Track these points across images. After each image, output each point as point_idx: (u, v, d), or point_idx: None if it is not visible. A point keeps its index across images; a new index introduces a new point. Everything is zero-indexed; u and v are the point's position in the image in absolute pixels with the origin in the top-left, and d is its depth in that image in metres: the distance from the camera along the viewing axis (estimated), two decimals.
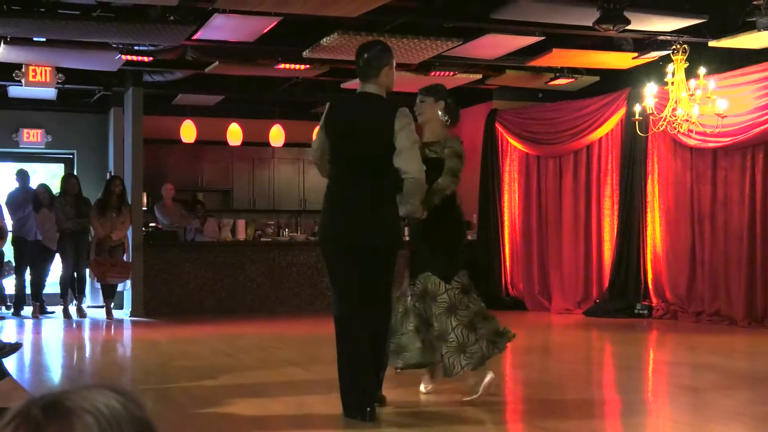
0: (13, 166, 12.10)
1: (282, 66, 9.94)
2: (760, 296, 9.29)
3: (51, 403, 0.90)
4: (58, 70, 10.03)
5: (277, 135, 12.52)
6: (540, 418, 4.61)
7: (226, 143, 12.57)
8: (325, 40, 8.56)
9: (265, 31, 8.49)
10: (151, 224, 12.07)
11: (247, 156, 13.74)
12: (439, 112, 5.19)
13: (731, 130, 9.30)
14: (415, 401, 5.22)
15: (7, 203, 11.03)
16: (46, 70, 9.95)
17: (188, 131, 12.12)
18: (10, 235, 10.91)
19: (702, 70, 8.90)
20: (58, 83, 10.27)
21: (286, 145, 12.98)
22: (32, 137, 12.73)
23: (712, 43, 8.75)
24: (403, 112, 4.65)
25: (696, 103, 8.90)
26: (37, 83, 10.09)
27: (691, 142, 9.76)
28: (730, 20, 8.55)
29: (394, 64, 4.84)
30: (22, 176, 11.44)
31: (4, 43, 8.69)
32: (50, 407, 0.90)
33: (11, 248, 11.12)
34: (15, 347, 6.26)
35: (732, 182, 9.64)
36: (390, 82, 4.79)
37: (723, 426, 4.52)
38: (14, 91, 11.60)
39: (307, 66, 9.96)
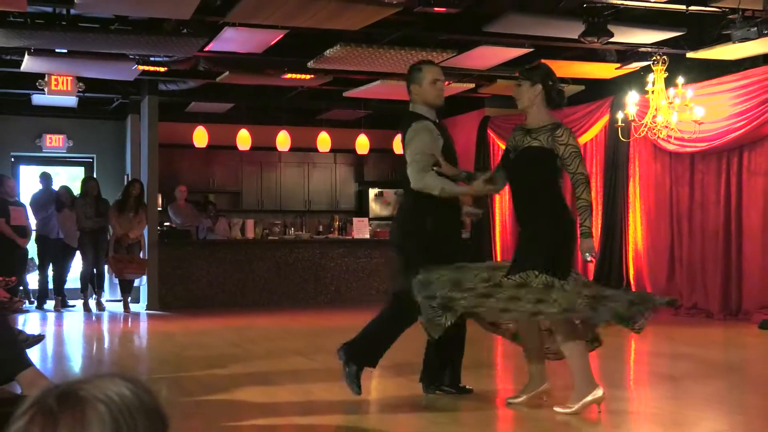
0: (37, 170, 12.10)
1: (288, 76, 9.95)
2: (735, 291, 9.30)
3: (65, 392, 0.90)
4: (79, 79, 10.04)
5: (283, 140, 12.53)
6: (525, 404, 4.60)
7: (235, 148, 12.57)
8: (328, 51, 8.57)
9: (273, 43, 8.50)
10: (165, 223, 12.07)
11: (256, 160, 13.74)
12: (538, 97, 4.41)
13: (708, 136, 9.31)
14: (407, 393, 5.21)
15: (31, 204, 11.04)
16: (67, 80, 9.95)
17: (200, 137, 12.13)
18: (33, 234, 10.92)
19: (680, 80, 8.91)
20: (78, 92, 10.28)
21: (292, 149, 12.98)
22: (54, 142, 12.75)
23: (689, 55, 8.76)
24: (414, 125, 4.66)
25: (675, 111, 8.91)
26: (59, 92, 10.10)
27: (670, 147, 9.76)
28: (706, 33, 8.55)
29: (428, 81, 4.78)
30: (46, 179, 11.45)
31: (28, 54, 8.69)
32: (64, 396, 0.89)
33: (34, 246, 11.12)
34: (38, 339, 6.27)
35: (708, 184, 9.64)
36: (422, 98, 4.80)
37: (700, 412, 4.52)
38: (37, 99, 11.60)
39: (312, 76, 9.96)
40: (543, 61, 9.28)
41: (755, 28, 6.97)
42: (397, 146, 12.97)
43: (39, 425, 0.87)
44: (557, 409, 4.25)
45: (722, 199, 9.43)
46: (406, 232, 4.79)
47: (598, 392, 4.15)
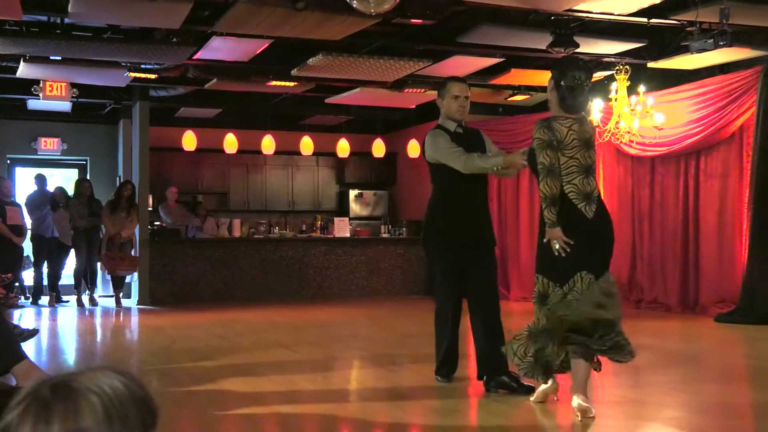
0: (32, 171, 12.00)
1: (273, 83, 9.92)
2: (692, 286, 9.38)
3: (59, 384, 0.89)
4: (73, 85, 9.96)
5: (268, 144, 12.48)
6: (497, 393, 4.61)
7: (223, 151, 12.51)
8: (311, 60, 8.55)
9: (258, 52, 8.47)
10: (156, 223, 12.00)
11: (242, 162, 13.70)
12: (552, 94, 4.23)
13: (667, 141, 9.38)
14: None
15: (27, 204, 10.95)
16: (61, 86, 9.86)
17: (189, 140, 12.06)
18: (29, 233, 10.83)
19: (642, 88, 8.98)
20: (72, 97, 10.19)
21: (276, 153, 12.93)
22: (49, 145, 12.65)
23: (650, 64, 8.82)
24: (428, 135, 4.88)
25: (636, 117, 8.97)
26: (54, 97, 10.01)
27: (632, 152, 9.83)
28: (666, 44, 8.62)
29: (450, 96, 4.85)
30: (40, 180, 11.34)
31: (24, 61, 8.61)
32: (58, 388, 0.88)
33: (29, 244, 11.02)
34: (33, 333, 6.22)
35: (668, 186, 9.71)
36: (445, 111, 4.90)
37: (660, 399, 4.55)
38: (33, 104, 11.50)
39: (295, 83, 9.94)
40: (514, 69, 9.41)
41: (712, 40, 7.03)
42: (377, 150, 12.99)
43: (33, 414, 0.87)
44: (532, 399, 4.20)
45: (680, 200, 9.51)
46: (427, 225, 4.90)
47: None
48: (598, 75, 9.53)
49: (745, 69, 8.70)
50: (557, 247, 3.96)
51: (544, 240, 4.05)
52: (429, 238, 4.88)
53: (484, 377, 4.68)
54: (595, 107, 8.97)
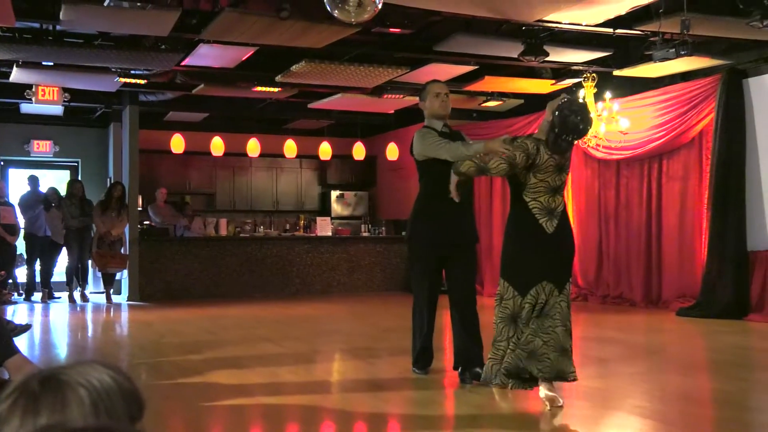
0: (25, 173, 11.87)
1: (258, 88, 9.88)
2: (655, 282, 9.45)
3: (48, 377, 0.88)
4: (65, 89, 9.86)
5: (253, 147, 12.43)
6: (462, 388, 4.62)
7: (210, 154, 12.44)
8: (294, 67, 8.53)
9: (244, 59, 8.43)
10: (145, 222, 11.91)
11: (228, 165, 13.64)
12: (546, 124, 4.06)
13: (632, 145, 9.45)
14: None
15: (20, 204, 10.84)
16: (53, 90, 9.76)
17: (177, 143, 11.98)
18: (22, 232, 10.72)
19: (608, 95, 9.04)
20: (64, 101, 10.09)
21: (261, 155, 12.90)
22: (42, 147, 12.52)
23: (616, 72, 8.87)
24: (416, 133, 4.86)
25: (603, 122, 9.03)
26: (46, 101, 9.90)
27: (599, 155, 9.89)
28: (631, 53, 8.68)
29: (431, 95, 4.87)
30: (33, 181, 11.22)
31: (17, 67, 8.51)
32: (46, 381, 0.87)
33: (22, 243, 10.90)
34: (25, 328, 6.13)
35: (632, 188, 9.78)
36: (428, 111, 4.91)
37: (625, 389, 4.58)
38: (26, 107, 11.37)
39: (279, 89, 9.91)
40: (487, 77, 9.43)
41: (673, 50, 7.08)
42: (357, 153, 12.98)
43: (21, 407, 0.85)
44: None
45: (644, 201, 9.58)
46: (412, 225, 4.90)
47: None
48: (567, 82, 9.58)
49: (705, 77, 8.78)
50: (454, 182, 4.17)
51: (509, 243, 4.16)
52: (414, 235, 4.86)
53: (460, 368, 4.70)
54: None
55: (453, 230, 4.75)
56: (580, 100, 4.18)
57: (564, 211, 4.15)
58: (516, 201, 4.15)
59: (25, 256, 11.04)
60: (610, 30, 7.47)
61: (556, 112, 3.97)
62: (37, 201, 10.87)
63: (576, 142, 4.16)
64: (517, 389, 4.13)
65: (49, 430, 0.76)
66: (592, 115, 4.14)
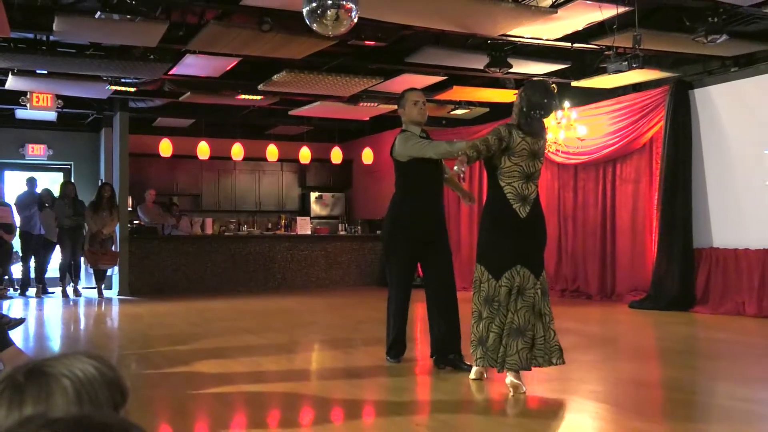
0: (20, 175, 11.70)
1: (241, 96, 9.82)
2: (609, 277, 9.54)
3: (32, 369, 0.86)
4: (58, 96, 9.72)
5: (237, 151, 12.36)
6: (433, 376, 4.63)
7: (196, 157, 12.35)
8: (276, 76, 8.49)
9: (228, 68, 8.38)
10: (135, 221, 11.79)
11: (214, 168, 13.54)
12: (517, 108, 4.08)
13: (588, 150, 9.53)
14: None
15: (17, 204, 10.69)
16: (47, 97, 9.61)
17: (165, 147, 11.88)
18: (18, 230, 10.56)
19: (566, 104, 9.11)
20: (57, 107, 9.94)
21: (245, 159, 12.84)
22: (36, 151, 12.35)
23: (574, 83, 8.95)
24: (398, 136, 4.85)
25: (562, 129, 9.09)
26: (40, 107, 9.75)
27: (558, 159, 9.96)
28: (587, 66, 8.76)
29: (409, 103, 4.84)
30: (31, 183, 11.06)
31: (12, 74, 8.38)
32: (32, 373, 0.85)
33: (18, 240, 10.73)
34: (20, 322, 6.05)
35: (588, 190, 9.86)
36: (407, 117, 4.88)
37: (582, 375, 4.61)
38: (20, 113, 11.21)
39: (262, 97, 9.86)
40: (455, 87, 9.46)
41: (626, 63, 7.15)
42: (335, 157, 12.95)
43: (7, 399, 0.83)
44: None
45: (599, 202, 9.67)
46: (389, 223, 4.84)
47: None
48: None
49: (655, 88, 8.88)
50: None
51: (485, 232, 4.09)
52: (392, 230, 4.82)
53: (435, 356, 4.71)
54: None
55: (429, 225, 4.74)
56: (542, 80, 4.17)
57: (537, 200, 4.08)
58: (492, 187, 4.10)
59: (20, 253, 10.88)
60: (568, 44, 7.53)
61: (522, 93, 4.03)
62: (32, 201, 10.73)
63: (546, 123, 4.14)
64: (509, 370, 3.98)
65: (30, 420, 0.74)
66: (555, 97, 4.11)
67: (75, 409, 0.83)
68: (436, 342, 4.75)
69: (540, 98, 4.00)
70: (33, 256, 10.81)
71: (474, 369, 4.27)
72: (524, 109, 4.00)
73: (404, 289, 4.81)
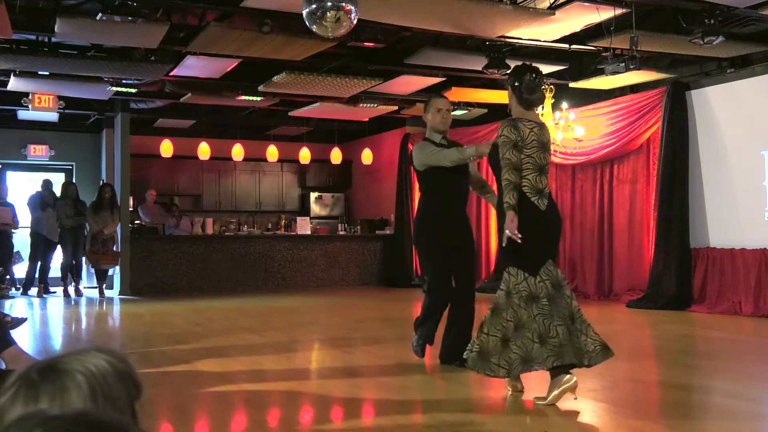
0: (22, 176, 11.69)
1: (242, 97, 9.82)
2: (607, 276, 9.54)
3: (46, 366, 0.86)
4: (60, 97, 9.71)
5: (238, 152, 12.37)
6: (433, 375, 4.63)
7: (197, 158, 12.35)
8: (276, 77, 8.49)
9: (228, 69, 8.38)
10: (136, 222, 11.78)
11: (214, 168, 13.54)
12: (512, 99, 4.01)
13: (586, 151, 9.53)
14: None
15: (28, 204, 10.70)
16: (49, 98, 9.61)
17: (166, 148, 11.88)
18: (27, 230, 10.54)
19: (564, 105, 9.11)
20: (59, 108, 9.94)
21: (245, 159, 12.84)
22: (38, 152, 12.35)
23: (572, 84, 8.95)
24: (415, 146, 4.85)
25: (560, 130, 9.09)
26: (42, 108, 9.75)
27: (556, 160, 9.94)
28: (585, 67, 8.76)
29: (433, 110, 4.81)
30: (46, 185, 10.99)
31: (14, 76, 8.38)
32: (46, 370, 0.85)
33: (21, 240, 10.71)
34: (21, 321, 6.04)
35: (586, 190, 9.87)
36: (430, 124, 4.86)
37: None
38: (23, 114, 11.20)
39: (262, 98, 9.86)
40: (454, 87, 9.46)
41: (623, 64, 7.16)
42: (334, 157, 12.95)
43: (23, 396, 0.83)
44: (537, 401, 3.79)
45: (597, 203, 9.67)
46: (417, 231, 4.85)
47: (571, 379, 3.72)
48: None
49: (652, 89, 8.89)
50: (507, 233, 3.67)
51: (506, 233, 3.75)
52: (419, 241, 4.86)
53: (446, 356, 4.74)
54: None
55: (454, 231, 4.75)
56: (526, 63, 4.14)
57: (550, 194, 3.99)
58: (497, 179, 3.96)
59: (29, 252, 10.84)
60: (566, 45, 7.53)
61: (509, 79, 4.01)
62: (42, 203, 10.70)
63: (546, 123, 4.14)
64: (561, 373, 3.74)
65: (27, 418, 0.74)
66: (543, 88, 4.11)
67: (90, 404, 0.83)
68: (449, 348, 4.74)
69: (527, 69, 3.98)
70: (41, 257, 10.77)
71: (508, 382, 3.97)
72: (520, 84, 3.92)
73: (443, 296, 4.77)
